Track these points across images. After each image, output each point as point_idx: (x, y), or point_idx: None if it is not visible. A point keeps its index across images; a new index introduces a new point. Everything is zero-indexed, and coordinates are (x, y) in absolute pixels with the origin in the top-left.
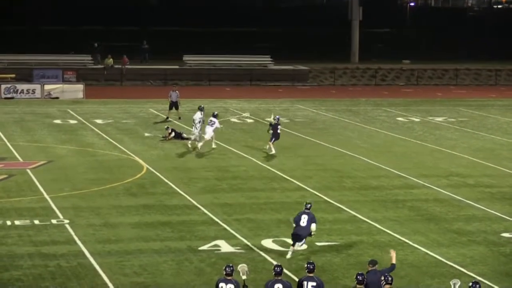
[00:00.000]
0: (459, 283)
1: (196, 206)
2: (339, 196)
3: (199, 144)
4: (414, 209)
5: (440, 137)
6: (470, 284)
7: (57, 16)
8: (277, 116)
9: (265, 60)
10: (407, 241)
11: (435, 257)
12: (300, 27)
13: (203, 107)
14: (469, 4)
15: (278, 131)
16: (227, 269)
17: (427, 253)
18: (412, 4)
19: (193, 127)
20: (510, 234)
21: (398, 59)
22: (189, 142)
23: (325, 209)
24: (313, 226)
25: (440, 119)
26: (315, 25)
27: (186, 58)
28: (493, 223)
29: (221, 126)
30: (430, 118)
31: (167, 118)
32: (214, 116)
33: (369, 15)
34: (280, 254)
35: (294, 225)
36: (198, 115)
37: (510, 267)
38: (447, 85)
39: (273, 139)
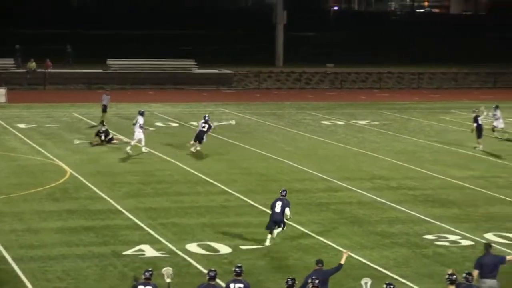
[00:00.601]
0: (370, 282)
1: (120, 211)
2: (264, 200)
3: (143, 148)
4: (337, 212)
5: (363, 140)
6: (385, 285)
7: None
8: (206, 115)
9: (189, 64)
10: (331, 244)
11: (359, 260)
12: (225, 31)
13: (143, 112)
14: (392, 8)
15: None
16: (146, 273)
17: (350, 256)
18: (336, 8)
19: (135, 131)
20: (432, 236)
21: (322, 63)
22: (129, 148)
23: (250, 212)
24: (287, 211)
25: (363, 122)
26: (239, 29)
27: (110, 62)
28: (416, 225)
29: (153, 129)
30: (354, 121)
31: (102, 122)
32: (141, 113)
33: (293, 19)
34: (206, 258)
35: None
36: (139, 119)
37: (432, 268)
38: (371, 89)
39: (199, 139)
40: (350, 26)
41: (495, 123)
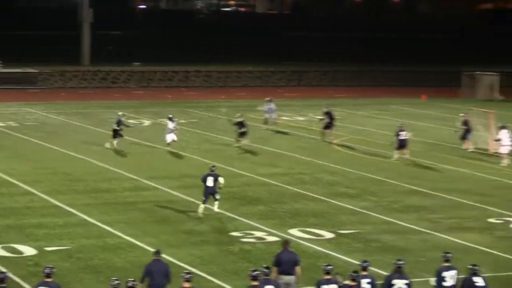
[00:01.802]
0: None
1: None
2: (70, 200)
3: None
4: (145, 211)
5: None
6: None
7: None
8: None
9: None
10: (138, 243)
11: (166, 258)
12: (30, 29)
13: None
14: (198, 7)
15: None
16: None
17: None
18: (143, 6)
19: None
20: (239, 233)
21: (129, 62)
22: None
23: (55, 213)
24: (221, 180)
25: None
26: (45, 27)
27: None
28: (223, 223)
29: None
30: (160, 120)
31: None
32: None
33: (100, 17)
34: (10, 261)
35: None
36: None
37: (239, 265)
38: (178, 87)
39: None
40: (157, 25)
41: (267, 116)
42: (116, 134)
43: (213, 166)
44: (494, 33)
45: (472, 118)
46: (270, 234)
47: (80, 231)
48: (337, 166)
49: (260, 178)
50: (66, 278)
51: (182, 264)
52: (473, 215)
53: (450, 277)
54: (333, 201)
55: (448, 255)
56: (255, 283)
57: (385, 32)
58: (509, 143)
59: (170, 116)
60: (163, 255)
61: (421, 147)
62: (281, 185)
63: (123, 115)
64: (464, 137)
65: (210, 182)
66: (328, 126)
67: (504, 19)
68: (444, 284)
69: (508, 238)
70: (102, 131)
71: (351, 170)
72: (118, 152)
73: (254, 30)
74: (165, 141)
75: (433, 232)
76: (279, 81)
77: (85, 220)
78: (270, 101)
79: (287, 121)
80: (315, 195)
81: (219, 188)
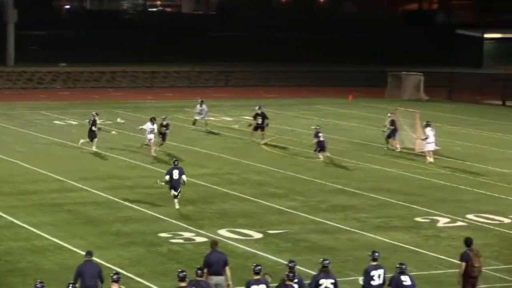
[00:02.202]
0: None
1: None
2: None
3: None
4: (72, 212)
5: (98, 140)
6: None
7: None
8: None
9: None
10: (65, 245)
11: (94, 260)
12: None
13: None
14: (124, 7)
15: None
16: None
17: None
18: (68, 6)
19: None
20: (167, 234)
21: (55, 62)
22: None
23: None
24: (184, 177)
25: (98, 121)
26: None
27: None
28: (151, 224)
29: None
30: (87, 120)
31: None
32: None
33: (24, 17)
34: None
35: (168, 178)
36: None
37: (167, 266)
38: (104, 88)
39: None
40: (82, 25)
41: (198, 117)
42: (92, 135)
43: (176, 160)
44: (418, 34)
45: (399, 118)
46: (199, 234)
47: (7, 234)
48: (264, 166)
49: (188, 178)
50: None
51: (111, 266)
52: (400, 214)
53: (378, 276)
54: (261, 201)
55: (375, 254)
56: (183, 284)
57: (312, 32)
58: (434, 140)
59: (152, 117)
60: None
61: (347, 147)
62: (209, 185)
63: (97, 114)
64: (390, 137)
65: (176, 175)
66: (259, 127)
67: (428, 20)
68: (372, 283)
69: (435, 237)
70: (28, 132)
71: (279, 170)
72: (45, 153)
73: (181, 30)
74: (146, 141)
75: (360, 231)
76: (206, 82)
77: (12, 222)
78: (202, 102)
79: (214, 121)
80: (243, 195)
81: (183, 183)
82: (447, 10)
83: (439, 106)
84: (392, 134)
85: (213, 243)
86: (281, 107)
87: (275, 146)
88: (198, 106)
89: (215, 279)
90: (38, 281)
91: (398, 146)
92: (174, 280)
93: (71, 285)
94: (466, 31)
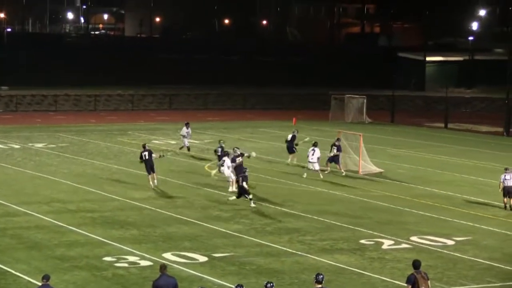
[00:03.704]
0: None
1: None
2: None
3: None
4: (15, 237)
5: (40, 163)
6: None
7: None
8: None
9: None
10: (9, 269)
11: (38, 284)
12: None
13: None
14: (67, 30)
15: None
16: None
17: (30, 281)
18: (9, 29)
19: None
20: (112, 257)
21: None
22: None
23: None
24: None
25: (40, 145)
26: None
27: None
28: (95, 248)
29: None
30: (30, 144)
31: None
32: None
33: None
34: None
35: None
36: None
37: None
38: (47, 111)
39: None
40: (25, 48)
41: (186, 140)
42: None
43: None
44: (360, 57)
45: (342, 140)
46: (143, 258)
47: None
48: (210, 190)
49: (132, 202)
50: None
51: None
52: (345, 236)
53: None
54: (206, 224)
55: (319, 276)
56: None
57: (256, 55)
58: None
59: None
60: (35, 282)
61: (291, 170)
62: (154, 209)
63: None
64: (333, 160)
65: (146, 155)
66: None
67: (371, 43)
68: None
69: (380, 259)
70: None
71: (224, 193)
72: None
73: (124, 54)
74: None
75: (306, 254)
76: (150, 104)
77: None
78: (188, 124)
79: (158, 144)
80: (188, 219)
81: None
82: (389, 33)
83: (382, 128)
84: (336, 158)
85: (162, 267)
86: (225, 130)
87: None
88: (185, 128)
89: None
90: None
91: (343, 170)
92: None
93: None
94: (408, 54)
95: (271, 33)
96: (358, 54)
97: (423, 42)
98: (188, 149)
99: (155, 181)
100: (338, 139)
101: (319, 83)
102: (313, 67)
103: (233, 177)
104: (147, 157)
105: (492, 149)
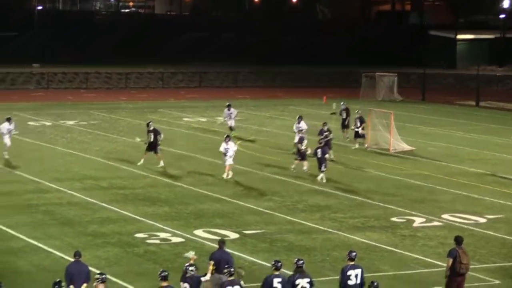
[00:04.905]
0: None
1: None
2: None
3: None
4: (48, 213)
5: (72, 141)
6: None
7: None
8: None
9: None
10: (41, 246)
11: (70, 260)
12: None
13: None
14: (97, 8)
15: None
16: None
17: (62, 257)
18: (40, 7)
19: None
20: (143, 234)
21: (28, 63)
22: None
23: None
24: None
25: (71, 122)
26: None
27: None
28: (127, 224)
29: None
30: (62, 121)
31: None
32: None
33: None
34: None
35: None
36: (5, 126)
37: (145, 267)
38: (78, 89)
39: None
40: (55, 26)
41: (229, 122)
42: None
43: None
44: (391, 34)
45: (373, 118)
46: (175, 235)
47: None
48: (241, 167)
49: (164, 179)
50: None
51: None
52: (376, 214)
53: (354, 275)
54: (237, 201)
55: (352, 253)
56: (165, 283)
57: (285, 34)
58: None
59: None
60: (67, 258)
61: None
62: (185, 186)
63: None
64: (345, 126)
65: (151, 138)
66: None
67: (402, 21)
68: (349, 282)
69: (411, 236)
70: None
71: (255, 171)
72: (19, 154)
73: (154, 31)
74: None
75: (337, 232)
76: (180, 82)
77: None
78: (229, 106)
79: (189, 122)
80: (219, 196)
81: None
82: (420, 11)
83: (413, 106)
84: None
85: (220, 242)
86: (255, 108)
87: (251, 147)
88: (226, 110)
89: (224, 278)
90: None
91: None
92: (151, 281)
93: (56, 285)
94: (439, 32)
95: (301, 10)
96: (389, 32)
97: (454, 20)
98: (231, 128)
99: (161, 161)
100: (344, 103)
101: (349, 61)
102: (343, 45)
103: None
104: (152, 139)
105: None
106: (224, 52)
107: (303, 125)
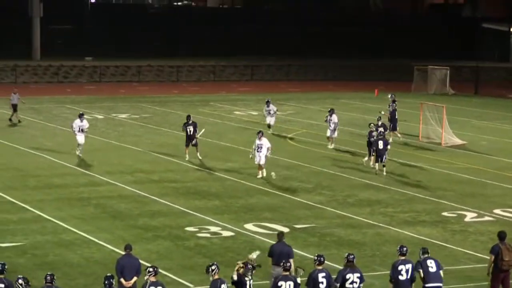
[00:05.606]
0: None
1: None
2: (23, 196)
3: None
4: (99, 206)
5: (123, 134)
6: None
7: None
8: None
9: None
10: (93, 238)
11: (121, 253)
12: None
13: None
14: (150, 1)
15: None
16: None
17: (113, 250)
18: (93, 1)
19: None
20: (194, 228)
21: (81, 56)
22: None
23: (9, 209)
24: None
25: (123, 116)
26: None
27: None
28: (178, 218)
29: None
30: (114, 115)
31: (10, 119)
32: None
33: (49, 11)
34: None
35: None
36: (77, 123)
37: (195, 260)
38: (130, 82)
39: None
40: (108, 19)
41: (269, 118)
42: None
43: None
44: (443, 28)
45: (425, 111)
46: (225, 228)
47: (34, 227)
48: (291, 161)
49: (215, 173)
50: (21, 274)
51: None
52: (427, 209)
53: (405, 270)
54: (287, 195)
55: (403, 248)
56: (216, 276)
57: (338, 27)
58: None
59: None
60: (118, 251)
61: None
62: (236, 180)
63: None
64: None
65: (191, 131)
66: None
67: (455, 14)
68: (400, 277)
69: (462, 231)
70: (55, 126)
71: (305, 165)
72: (71, 147)
73: (206, 24)
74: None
75: (387, 226)
76: (231, 76)
77: (39, 216)
78: (268, 102)
79: (240, 115)
80: (269, 190)
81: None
82: (473, 3)
83: (465, 100)
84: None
85: (279, 235)
86: (306, 101)
87: (301, 141)
88: (265, 106)
89: (277, 270)
90: (49, 273)
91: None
92: (202, 274)
93: (107, 279)
94: (492, 25)
95: (353, 2)
96: (442, 25)
97: (508, 13)
98: (269, 126)
99: (198, 153)
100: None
101: (401, 54)
102: (395, 38)
103: None
104: (191, 132)
105: None
106: (276, 45)
107: (334, 118)
